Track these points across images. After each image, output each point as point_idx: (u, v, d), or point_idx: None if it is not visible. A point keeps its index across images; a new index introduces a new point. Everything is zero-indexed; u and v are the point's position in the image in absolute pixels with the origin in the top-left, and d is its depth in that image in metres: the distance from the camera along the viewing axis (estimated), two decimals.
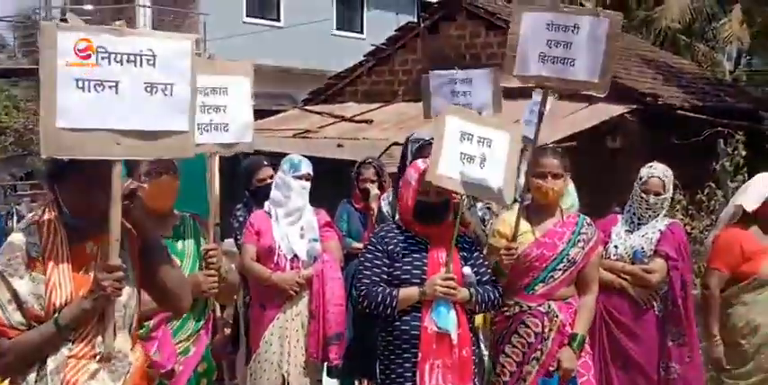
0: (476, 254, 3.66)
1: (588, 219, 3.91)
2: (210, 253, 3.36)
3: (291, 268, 4.28)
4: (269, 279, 4.23)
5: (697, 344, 4.35)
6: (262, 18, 19.50)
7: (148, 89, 2.44)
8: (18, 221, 9.73)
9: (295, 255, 4.29)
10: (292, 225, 4.31)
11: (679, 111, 10.34)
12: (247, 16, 19.24)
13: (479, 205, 4.67)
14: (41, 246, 2.43)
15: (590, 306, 3.83)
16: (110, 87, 2.38)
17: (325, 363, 4.45)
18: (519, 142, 3.63)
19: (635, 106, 10.18)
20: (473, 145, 3.44)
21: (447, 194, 3.53)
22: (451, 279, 3.44)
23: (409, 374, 3.46)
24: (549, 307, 3.70)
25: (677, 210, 7.93)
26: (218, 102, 3.41)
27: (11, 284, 2.38)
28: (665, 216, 4.39)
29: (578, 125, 8.88)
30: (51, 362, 2.41)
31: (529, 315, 3.69)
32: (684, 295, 4.25)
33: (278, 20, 19.77)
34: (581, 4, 20.91)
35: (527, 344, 3.68)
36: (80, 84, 2.33)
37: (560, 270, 3.72)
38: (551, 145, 4.93)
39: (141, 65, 2.41)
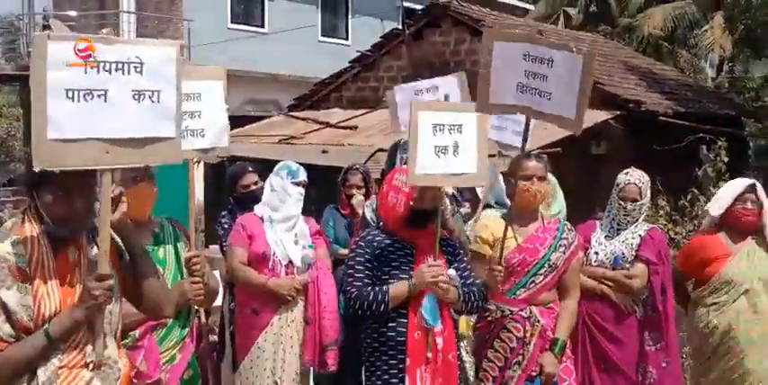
0: (459, 257, 3.68)
1: (569, 225, 3.95)
2: (194, 260, 3.33)
3: (286, 274, 4.26)
4: (265, 285, 4.20)
5: (675, 349, 4.38)
6: (246, 24, 19.46)
7: (136, 96, 2.44)
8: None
9: (290, 262, 4.28)
10: (288, 231, 4.31)
11: (662, 118, 10.43)
12: (232, 23, 19.19)
13: (462, 210, 4.68)
14: (27, 256, 2.41)
15: (571, 311, 3.86)
16: (98, 96, 2.38)
17: (312, 371, 4.44)
18: (486, 120, 3.56)
19: (618, 112, 10.26)
20: (445, 134, 3.40)
21: (437, 198, 3.53)
22: (437, 266, 3.43)
23: (396, 380, 3.46)
24: (531, 312, 3.73)
25: (660, 216, 7.99)
26: (193, 108, 3.41)
27: None
28: (644, 221, 4.42)
29: (562, 131, 8.93)
30: (42, 374, 2.39)
31: (510, 320, 3.72)
32: (664, 300, 4.28)
33: (262, 26, 19.75)
34: (566, 14, 21.08)
35: (509, 348, 3.71)
36: (70, 94, 2.33)
37: (542, 275, 3.75)
38: (536, 151, 4.96)
39: (129, 72, 2.42)
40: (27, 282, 2.39)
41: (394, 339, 3.48)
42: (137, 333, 3.18)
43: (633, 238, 4.30)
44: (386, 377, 3.48)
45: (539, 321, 3.72)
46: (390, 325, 3.49)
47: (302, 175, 4.42)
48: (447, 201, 4.55)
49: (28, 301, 2.38)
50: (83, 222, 2.49)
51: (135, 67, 2.43)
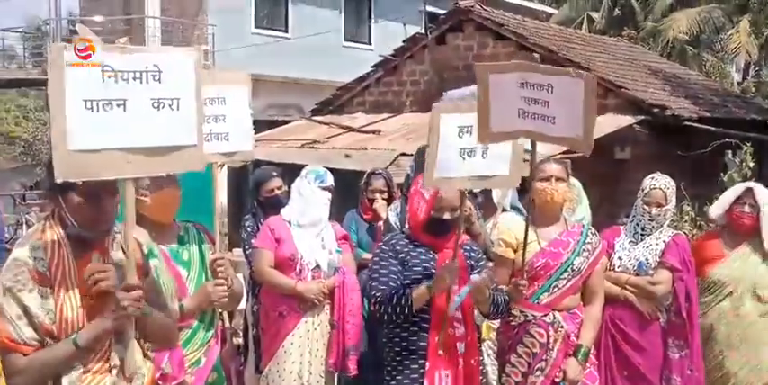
0: (482, 262, 3.68)
1: (593, 229, 3.93)
2: (218, 262, 3.35)
3: (313, 278, 4.28)
4: (294, 289, 4.22)
5: (699, 356, 4.34)
6: (270, 29, 19.58)
7: (155, 105, 2.42)
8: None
9: (317, 266, 4.30)
10: (316, 236, 4.33)
11: (687, 122, 10.33)
12: (255, 28, 19.32)
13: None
14: (48, 260, 2.42)
15: (595, 316, 3.84)
16: (117, 106, 2.35)
17: (336, 375, 4.46)
18: None
19: (643, 117, 10.19)
20: (472, 136, 3.34)
21: (460, 210, 3.49)
22: (454, 266, 3.37)
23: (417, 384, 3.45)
24: (555, 317, 3.72)
25: (685, 221, 7.93)
26: (217, 112, 3.43)
27: (20, 299, 2.37)
28: (669, 227, 4.40)
29: None
30: (65, 379, 2.41)
31: (534, 325, 3.70)
32: (689, 306, 4.26)
33: (286, 31, 19.85)
34: (589, 17, 21.01)
35: (532, 353, 3.69)
36: (88, 104, 2.31)
37: (564, 279, 3.73)
38: (559, 156, 4.94)
39: (147, 81, 2.40)
40: (48, 285, 2.40)
41: (415, 343, 3.48)
42: None
43: (657, 244, 4.27)
44: (406, 381, 3.48)
45: (562, 327, 3.71)
46: (411, 329, 3.49)
47: (329, 180, 4.45)
48: (472, 205, 4.55)
49: (49, 305, 2.39)
50: (107, 224, 2.50)
51: (153, 76, 2.41)
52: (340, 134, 11.27)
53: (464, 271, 3.51)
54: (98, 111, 2.32)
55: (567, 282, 3.74)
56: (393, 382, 3.53)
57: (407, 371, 3.49)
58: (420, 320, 3.48)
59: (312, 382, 4.21)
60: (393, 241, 3.61)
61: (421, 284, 3.44)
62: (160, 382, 2.97)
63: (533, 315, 3.72)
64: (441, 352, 3.43)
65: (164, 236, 3.30)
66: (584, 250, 3.78)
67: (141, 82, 2.39)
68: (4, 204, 11.54)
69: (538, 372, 3.67)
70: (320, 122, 12.25)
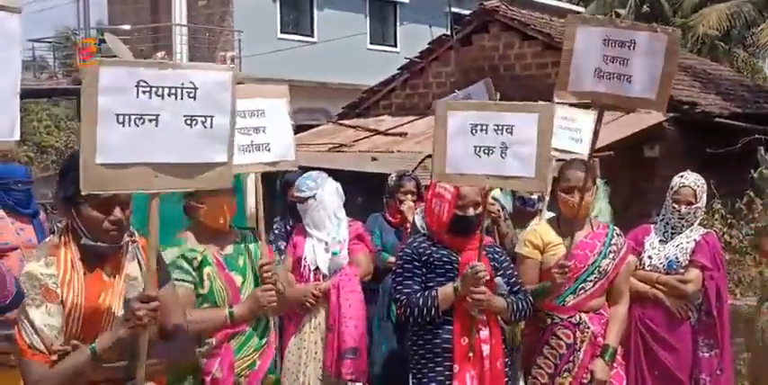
0: (506, 264, 3.65)
1: (617, 230, 3.89)
2: (265, 267, 3.39)
3: (315, 280, 4.35)
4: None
5: (729, 356, 4.29)
6: (296, 34, 19.67)
7: (188, 122, 2.42)
8: None
9: (317, 268, 4.34)
10: (320, 239, 4.38)
11: (718, 119, 10.19)
12: (281, 32, 19.42)
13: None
14: (59, 277, 2.47)
15: (621, 317, 3.81)
16: (149, 120, 2.35)
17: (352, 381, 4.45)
18: (550, 120, 3.37)
19: (673, 114, 10.06)
20: (489, 135, 3.30)
21: (482, 206, 3.51)
22: (480, 267, 3.36)
23: None
24: (581, 318, 3.70)
25: (716, 219, 7.82)
26: (257, 124, 3.51)
27: (28, 313, 2.44)
28: (699, 226, 4.34)
29: (615, 134, 8.80)
30: None
31: (560, 326, 3.69)
32: (719, 306, 4.21)
33: (312, 35, 19.93)
34: (616, 14, 20.83)
35: (558, 355, 3.68)
36: (120, 119, 2.31)
37: (591, 281, 3.71)
38: (580, 155, 4.88)
39: (182, 97, 2.39)
40: (57, 301, 2.46)
41: (440, 346, 3.47)
42: (213, 340, 3.26)
43: (688, 243, 4.22)
44: (433, 384, 3.47)
45: (589, 328, 3.69)
46: (436, 331, 3.48)
47: (300, 191, 4.43)
48: (498, 205, 4.52)
49: (52, 322, 2.45)
50: (120, 237, 2.54)
51: (188, 93, 2.40)
52: (366, 137, 11.27)
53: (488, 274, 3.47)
54: (129, 125, 2.32)
55: (593, 285, 3.72)
56: (421, 383, 3.52)
57: (433, 374, 3.49)
58: (445, 322, 3.47)
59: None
60: (415, 244, 3.61)
61: (447, 285, 3.44)
62: None
63: (559, 317, 3.71)
64: (471, 354, 3.42)
65: (220, 242, 3.38)
66: (610, 252, 3.75)
67: (176, 98, 2.38)
68: None
69: (565, 374, 3.66)
70: (347, 126, 12.26)
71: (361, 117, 12.88)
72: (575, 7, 24.13)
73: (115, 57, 15.56)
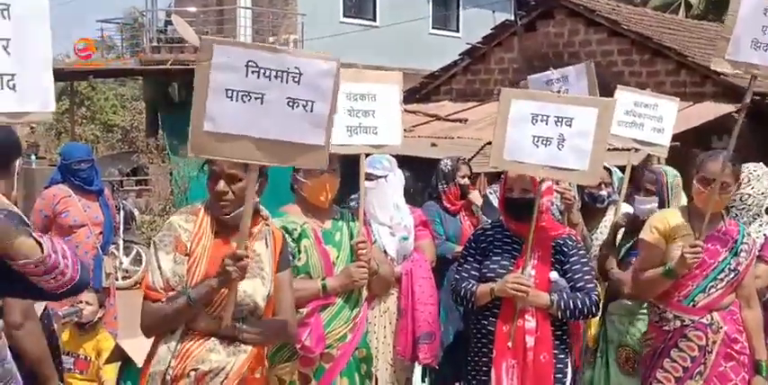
0: (575, 258, 3.55)
1: (747, 229, 3.68)
2: (360, 245, 3.54)
3: None
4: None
5: None
6: (358, 18, 19.66)
7: (290, 104, 2.60)
8: (124, 216, 10.05)
9: (384, 251, 4.30)
10: (382, 223, 4.33)
11: None
12: (344, 16, 19.43)
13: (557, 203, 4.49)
14: (193, 233, 2.77)
15: (758, 322, 3.58)
16: (255, 98, 2.56)
17: (419, 366, 4.44)
18: (610, 115, 3.39)
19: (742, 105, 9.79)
20: (548, 126, 3.36)
21: (532, 192, 3.48)
22: (523, 280, 3.39)
23: (485, 369, 3.50)
24: (713, 318, 3.49)
25: None
26: (367, 107, 3.68)
27: (158, 257, 2.75)
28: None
29: (683, 124, 8.60)
30: (177, 333, 2.73)
31: (692, 328, 3.49)
32: None
33: (374, 19, 19.89)
34: (686, 2, 20.30)
35: (690, 358, 3.49)
36: (229, 93, 2.53)
37: (722, 280, 3.50)
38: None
39: (287, 81, 2.58)
40: (183, 253, 2.75)
41: (485, 328, 3.53)
42: (304, 311, 3.40)
43: (758, 238, 4.03)
44: (477, 367, 3.56)
45: (721, 327, 3.48)
46: (485, 313, 3.54)
47: (374, 167, 4.24)
48: (574, 193, 4.43)
49: (179, 270, 2.74)
50: (228, 207, 2.77)
51: (293, 77, 2.58)
52: (426, 123, 11.25)
53: (544, 267, 3.50)
54: (237, 100, 2.54)
55: (725, 284, 3.49)
56: (468, 367, 3.64)
57: (477, 358, 3.57)
58: (494, 307, 3.51)
59: (380, 368, 4.18)
60: (479, 231, 3.69)
61: (487, 284, 3.50)
62: (301, 352, 3.35)
63: (690, 319, 3.51)
64: (510, 344, 3.42)
65: (320, 217, 3.58)
66: (741, 250, 3.53)
67: (282, 80, 2.57)
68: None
69: (697, 377, 3.48)
70: (407, 111, 12.23)
71: (421, 102, 12.84)
72: None
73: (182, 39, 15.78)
